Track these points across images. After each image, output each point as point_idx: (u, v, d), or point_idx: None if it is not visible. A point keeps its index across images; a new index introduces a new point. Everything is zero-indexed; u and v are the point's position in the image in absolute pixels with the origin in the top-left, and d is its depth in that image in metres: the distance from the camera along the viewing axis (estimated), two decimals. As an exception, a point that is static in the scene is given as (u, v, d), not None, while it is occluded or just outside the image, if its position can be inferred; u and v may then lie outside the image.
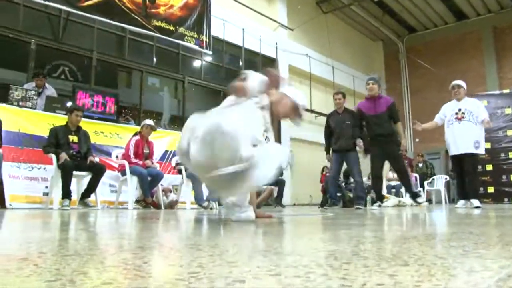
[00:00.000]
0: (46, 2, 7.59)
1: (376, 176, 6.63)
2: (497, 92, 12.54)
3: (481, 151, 6.31)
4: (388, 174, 12.94)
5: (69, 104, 6.93)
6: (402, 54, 19.39)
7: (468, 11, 17.44)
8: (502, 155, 11.17)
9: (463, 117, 6.30)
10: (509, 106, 11.27)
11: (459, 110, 6.36)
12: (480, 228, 2.10)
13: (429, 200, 13.05)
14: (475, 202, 6.18)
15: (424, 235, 1.72)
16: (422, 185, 12.48)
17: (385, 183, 12.62)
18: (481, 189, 10.98)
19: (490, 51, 17.29)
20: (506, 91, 11.99)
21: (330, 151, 7.01)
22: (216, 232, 2.08)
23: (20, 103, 6.38)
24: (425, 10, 17.31)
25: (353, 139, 6.74)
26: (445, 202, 12.11)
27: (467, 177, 6.40)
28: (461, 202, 6.45)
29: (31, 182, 6.02)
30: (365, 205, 8.93)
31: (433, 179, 12.71)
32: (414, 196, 6.59)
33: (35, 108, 6.56)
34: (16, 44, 8.37)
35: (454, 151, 6.39)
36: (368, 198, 9.30)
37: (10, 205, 5.61)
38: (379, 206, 6.46)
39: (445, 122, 6.52)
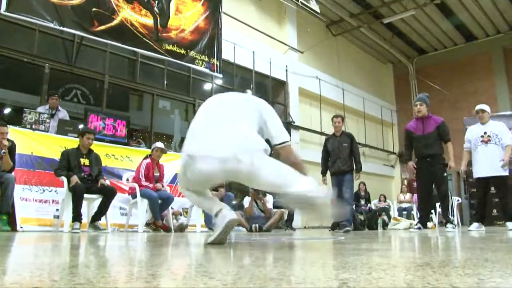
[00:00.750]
0: (61, 28, 7.74)
1: (423, 196, 6.46)
2: (508, 112, 12.49)
3: (507, 171, 6.30)
4: (400, 196, 12.84)
5: (81, 127, 7.01)
6: (412, 76, 19.40)
7: (477, 32, 17.48)
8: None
9: (489, 140, 6.33)
10: (521, 127, 11.20)
11: (485, 133, 6.39)
12: (495, 254, 2.06)
13: (440, 222, 12.88)
14: (510, 225, 6.17)
15: (438, 261, 1.69)
16: (434, 208, 12.33)
17: (396, 206, 12.52)
18: (494, 210, 10.84)
19: (501, 72, 17.25)
20: (518, 112, 11.95)
21: (327, 174, 7.04)
22: (227, 257, 2.07)
23: (33, 126, 6.48)
24: (434, 31, 17.38)
25: (350, 161, 6.82)
26: (458, 224, 11.94)
27: (500, 199, 6.45)
28: (475, 225, 6.37)
29: (42, 204, 6.05)
30: (377, 228, 8.87)
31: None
32: (446, 222, 6.34)
33: (47, 131, 6.64)
34: (30, 68, 8.53)
35: (481, 173, 6.36)
36: (379, 220, 9.21)
37: (21, 227, 5.62)
38: (419, 228, 6.26)
39: (471, 146, 6.54)
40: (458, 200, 12.42)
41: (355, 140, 7.14)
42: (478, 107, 6.59)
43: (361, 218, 8.89)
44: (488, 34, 17.56)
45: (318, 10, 13.22)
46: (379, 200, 12.40)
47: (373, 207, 10.98)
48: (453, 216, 6.36)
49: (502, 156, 6.16)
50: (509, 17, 16.35)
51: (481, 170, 6.35)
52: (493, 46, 17.56)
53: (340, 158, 6.83)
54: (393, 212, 11.87)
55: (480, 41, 17.88)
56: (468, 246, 2.90)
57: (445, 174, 6.27)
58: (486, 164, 6.26)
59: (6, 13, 7.03)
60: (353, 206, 9.45)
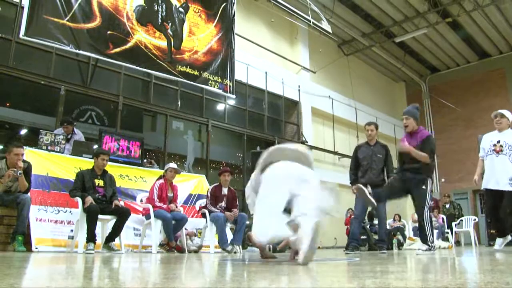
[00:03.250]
0: (77, 51, 7.89)
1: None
2: (524, 130, 12.33)
3: None
4: (414, 216, 12.65)
5: (95, 147, 7.08)
6: (425, 94, 19.35)
7: (490, 49, 17.44)
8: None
9: (501, 150, 5.80)
10: (534, 144, 11.03)
11: (498, 142, 5.85)
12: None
13: (457, 242, 12.67)
14: None
15: (456, 284, 1.66)
16: (450, 227, 12.15)
17: (411, 225, 12.36)
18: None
19: (516, 89, 17.14)
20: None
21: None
22: (241, 281, 2.05)
23: (49, 148, 6.57)
24: (447, 49, 17.38)
25: (383, 175, 6.38)
26: (475, 244, 11.74)
27: (510, 216, 5.81)
28: (499, 241, 5.89)
29: (57, 225, 6.07)
30: (392, 248, 8.74)
31: (461, 220, 12.38)
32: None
33: (62, 152, 6.72)
34: (46, 90, 8.69)
35: (489, 184, 5.85)
36: (394, 240, 9.08)
37: (36, 248, 5.64)
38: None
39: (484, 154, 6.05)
40: (475, 220, 12.24)
41: (390, 153, 6.68)
42: (497, 111, 6.03)
43: (375, 238, 8.76)
44: (501, 51, 17.51)
45: (330, 30, 13.31)
46: (394, 220, 12.25)
47: (388, 227, 10.84)
48: (432, 234, 5.57)
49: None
50: (522, 34, 16.32)
51: (488, 181, 5.87)
52: (506, 62, 17.50)
53: (372, 169, 6.40)
54: (408, 232, 11.71)
55: (493, 58, 17.83)
56: (486, 268, 2.85)
57: (424, 187, 5.56)
58: (496, 176, 5.76)
59: (25, 37, 7.19)
60: (368, 226, 9.35)
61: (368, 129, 6.73)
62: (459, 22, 15.22)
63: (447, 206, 13.33)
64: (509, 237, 5.87)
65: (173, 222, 6.45)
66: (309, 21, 12.62)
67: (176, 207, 6.73)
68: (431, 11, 14.13)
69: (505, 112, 5.97)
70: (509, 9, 14.47)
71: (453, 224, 12.20)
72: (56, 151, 6.62)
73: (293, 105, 14.05)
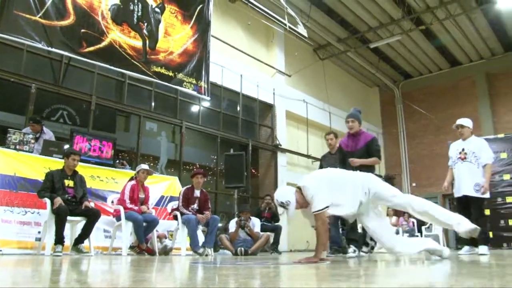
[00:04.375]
0: (49, 48, 7.73)
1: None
2: (492, 136, 12.63)
3: (485, 195, 5.85)
4: (392, 219, 12.83)
5: (66, 147, 6.95)
6: (398, 100, 19.68)
7: (461, 58, 17.88)
8: (499, 199, 11.13)
9: (465, 158, 6.01)
10: (504, 151, 11.33)
11: (462, 149, 6.07)
12: (480, 280, 2.06)
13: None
14: (482, 249, 5.69)
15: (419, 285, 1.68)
16: (420, 230, 12.37)
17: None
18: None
19: (484, 97, 17.61)
20: (501, 135, 12.09)
21: None
22: (211, 283, 2.04)
23: (17, 147, 6.40)
24: (420, 56, 17.73)
25: None
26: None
27: (474, 222, 5.92)
28: (466, 249, 5.98)
29: (24, 227, 5.92)
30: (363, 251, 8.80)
31: (431, 224, 12.60)
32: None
33: (32, 152, 6.56)
34: (16, 88, 8.48)
35: (456, 192, 6.08)
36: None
37: (0, 250, 5.50)
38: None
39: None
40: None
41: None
42: (458, 121, 6.23)
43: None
44: (471, 59, 17.96)
45: (306, 35, 13.40)
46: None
47: (360, 230, 10.93)
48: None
49: (481, 182, 5.77)
50: (491, 44, 16.77)
51: (457, 189, 6.04)
52: (476, 71, 17.96)
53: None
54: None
55: (464, 66, 18.28)
56: (452, 272, 2.90)
57: None
58: (461, 183, 5.93)
59: (-5, 34, 7.02)
60: (340, 230, 9.41)
61: (328, 138, 6.96)
62: (432, 30, 15.54)
63: (418, 210, 13.54)
64: (475, 249, 5.86)
65: (144, 224, 6.37)
66: (286, 25, 12.68)
67: (148, 209, 6.66)
68: (405, 18, 14.38)
69: (463, 122, 6.14)
70: (479, 19, 14.86)
71: (423, 228, 12.43)
72: (25, 151, 6.46)
73: (268, 108, 14.09)
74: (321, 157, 7.25)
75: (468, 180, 5.88)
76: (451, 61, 18.34)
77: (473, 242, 5.90)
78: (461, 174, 6.00)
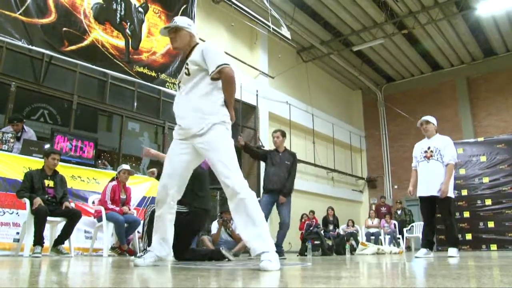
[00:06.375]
0: (30, 46, 7.63)
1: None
2: (472, 140, 12.86)
3: (450, 194, 5.70)
4: (367, 221, 12.96)
5: (46, 147, 6.85)
6: (381, 103, 19.86)
7: (443, 62, 18.15)
8: (479, 202, 11.33)
9: (431, 156, 5.85)
10: (484, 154, 11.53)
11: (428, 148, 5.91)
12: (456, 282, 2.09)
13: (408, 247, 13.04)
14: (452, 251, 5.62)
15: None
16: (401, 232, 12.50)
17: (364, 231, 12.62)
18: (459, 236, 11.06)
19: (465, 101, 17.88)
20: (481, 139, 12.31)
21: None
22: (191, 284, 2.03)
23: (-4, 146, 6.30)
24: (402, 60, 17.93)
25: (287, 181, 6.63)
26: (411, 249, 12.14)
27: (443, 223, 5.90)
28: (422, 251, 5.78)
29: (2, 227, 5.83)
30: (345, 253, 8.88)
31: (412, 225, 12.76)
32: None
33: (11, 151, 6.46)
34: (-5, 86, 8.34)
35: (422, 192, 5.84)
36: (347, 246, 9.23)
37: (-22, 251, 5.41)
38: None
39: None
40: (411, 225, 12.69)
41: (296, 161, 6.86)
42: (422, 118, 6.12)
43: (329, 243, 8.88)
44: (452, 64, 18.24)
45: (289, 37, 13.45)
46: (347, 225, 12.49)
47: (341, 232, 11.04)
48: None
49: (442, 185, 5.65)
50: (471, 49, 17.04)
51: (421, 188, 5.86)
52: (457, 75, 18.24)
53: (279, 176, 6.53)
54: (361, 237, 11.96)
55: (445, 70, 18.55)
56: (431, 273, 2.93)
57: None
58: (428, 182, 5.76)
59: (-28, 30, 6.90)
60: (322, 231, 9.47)
61: (274, 136, 6.95)
62: (414, 34, 15.75)
63: (399, 212, 13.71)
64: (431, 253, 5.83)
65: (125, 225, 6.33)
66: (269, 26, 12.71)
67: (129, 209, 6.62)
68: (388, 22, 14.54)
69: (429, 118, 6.10)
70: (460, 24, 15.10)
71: (404, 229, 12.56)
72: (4, 150, 6.36)
73: (251, 109, 14.09)
74: (268, 150, 7.27)
75: (435, 179, 5.74)
76: (432, 65, 18.60)
77: (429, 245, 5.86)
78: (428, 173, 5.83)
